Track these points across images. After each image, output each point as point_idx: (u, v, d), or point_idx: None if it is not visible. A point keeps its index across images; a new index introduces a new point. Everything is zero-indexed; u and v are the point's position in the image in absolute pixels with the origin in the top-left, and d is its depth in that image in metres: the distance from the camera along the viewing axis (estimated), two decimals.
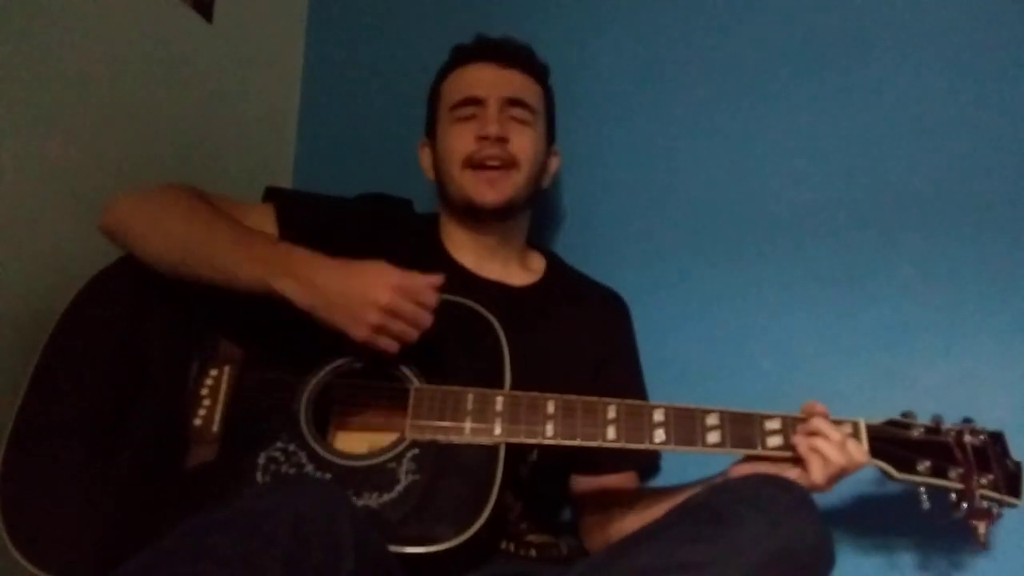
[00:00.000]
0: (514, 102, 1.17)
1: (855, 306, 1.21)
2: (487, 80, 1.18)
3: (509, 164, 1.14)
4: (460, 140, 1.15)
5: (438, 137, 1.20)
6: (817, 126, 1.30)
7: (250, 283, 0.95)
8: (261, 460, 0.93)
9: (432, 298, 0.94)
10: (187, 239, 1.00)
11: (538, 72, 1.23)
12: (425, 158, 1.25)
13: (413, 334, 0.94)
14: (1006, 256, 1.16)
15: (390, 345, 0.94)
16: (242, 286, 0.96)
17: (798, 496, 0.79)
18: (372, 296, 0.91)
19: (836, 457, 0.89)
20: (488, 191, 1.13)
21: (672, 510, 0.83)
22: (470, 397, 0.96)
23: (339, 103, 1.67)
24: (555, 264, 1.27)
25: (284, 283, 0.93)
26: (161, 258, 1.01)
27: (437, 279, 0.95)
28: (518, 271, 1.21)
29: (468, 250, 1.19)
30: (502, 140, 1.13)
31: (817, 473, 0.89)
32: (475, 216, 1.16)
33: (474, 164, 1.13)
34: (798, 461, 0.91)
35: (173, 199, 1.05)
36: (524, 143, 1.16)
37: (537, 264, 1.25)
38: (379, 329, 0.92)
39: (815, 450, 0.89)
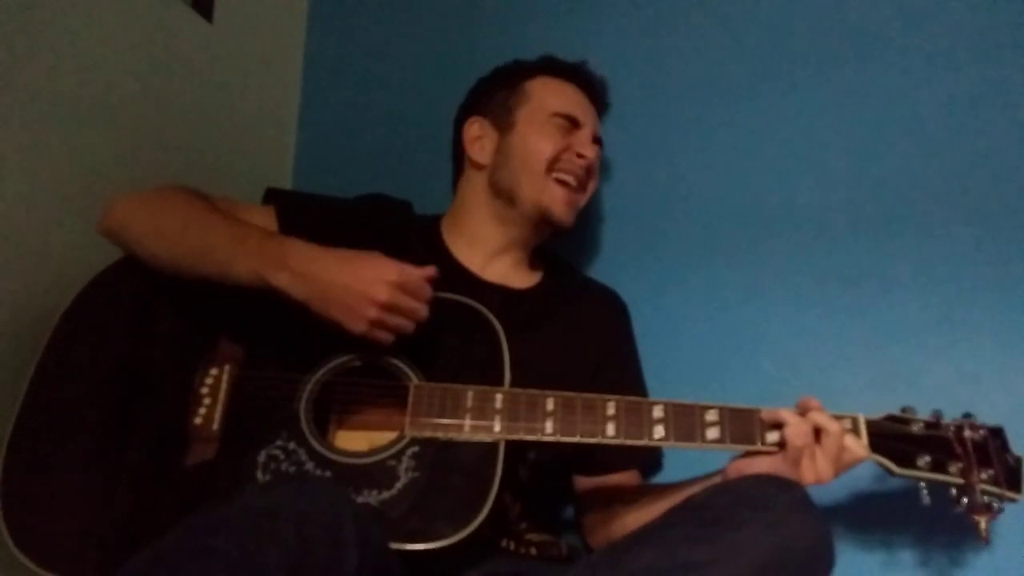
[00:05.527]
0: (597, 140, 1.23)
1: (855, 306, 1.22)
2: (586, 109, 1.23)
3: (581, 188, 1.19)
4: (552, 143, 1.16)
5: (519, 129, 1.18)
6: (817, 127, 1.30)
7: (246, 277, 0.96)
8: (261, 458, 0.93)
9: (427, 292, 0.96)
10: (183, 237, 1.00)
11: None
12: (478, 136, 1.21)
13: (409, 327, 0.96)
14: (1005, 256, 1.16)
15: (386, 337, 0.95)
16: (238, 281, 0.96)
17: (798, 496, 0.79)
18: (371, 293, 0.92)
19: (835, 450, 0.89)
20: (568, 211, 1.17)
21: (672, 510, 0.83)
22: (470, 394, 0.96)
23: (339, 103, 1.66)
24: (555, 265, 1.27)
25: (280, 276, 0.94)
26: (158, 257, 1.02)
27: (430, 271, 0.97)
28: (522, 274, 1.21)
29: (478, 249, 1.19)
30: (591, 167, 1.19)
31: (809, 469, 0.89)
32: (541, 225, 1.17)
33: (557, 170, 1.16)
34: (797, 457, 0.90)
35: (170, 199, 1.05)
36: (595, 177, 1.23)
37: (539, 266, 1.25)
38: (377, 323, 0.94)
39: (814, 443, 0.90)
